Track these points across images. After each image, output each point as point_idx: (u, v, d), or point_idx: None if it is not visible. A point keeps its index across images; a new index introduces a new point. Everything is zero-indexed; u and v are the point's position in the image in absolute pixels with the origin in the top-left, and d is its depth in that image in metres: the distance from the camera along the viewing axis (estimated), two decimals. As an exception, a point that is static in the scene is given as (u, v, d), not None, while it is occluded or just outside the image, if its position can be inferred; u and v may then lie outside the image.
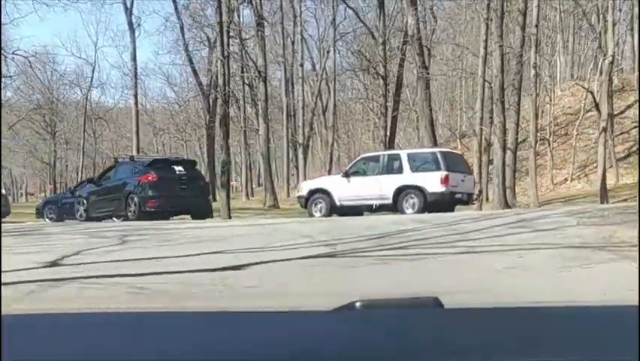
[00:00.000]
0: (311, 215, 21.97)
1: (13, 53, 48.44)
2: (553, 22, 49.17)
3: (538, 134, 38.81)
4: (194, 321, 1.45)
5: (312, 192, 22.39)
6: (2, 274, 6.51)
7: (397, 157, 21.62)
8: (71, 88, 77.06)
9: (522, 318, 1.52)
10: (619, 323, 1.43)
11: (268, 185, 44.59)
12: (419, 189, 20.38)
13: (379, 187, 20.85)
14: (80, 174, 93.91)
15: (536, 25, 24.98)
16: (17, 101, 70.19)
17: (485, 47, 30.01)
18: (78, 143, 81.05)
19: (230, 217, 31.57)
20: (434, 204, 20.02)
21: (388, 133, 40.43)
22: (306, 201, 22.40)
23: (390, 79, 42.16)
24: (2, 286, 6.24)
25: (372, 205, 20.95)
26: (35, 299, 6.20)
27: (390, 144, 39.57)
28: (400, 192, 20.63)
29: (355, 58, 53.19)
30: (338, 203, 21.65)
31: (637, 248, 7.49)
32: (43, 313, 1.49)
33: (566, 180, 44.91)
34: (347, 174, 21.96)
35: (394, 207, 20.61)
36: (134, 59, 56.08)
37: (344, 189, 21.53)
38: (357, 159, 24.07)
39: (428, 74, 32.44)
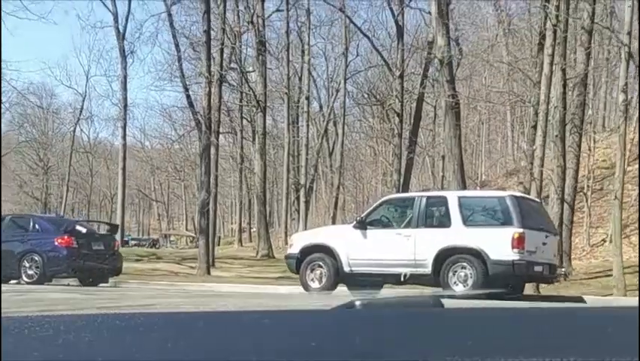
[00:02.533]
0: (305, 286, 14.35)
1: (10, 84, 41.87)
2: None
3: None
4: (193, 321, 1.41)
5: (307, 251, 14.44)
6: None
7: (442, 202, 13.69)
8: (62, 121, 69.80)
9: (522, 318, 1.49)
10: (619, 323, 1.37)
11: (262, 231, 37.42)
12: (476, 254, 12.70)
13: (412, 247, 13.26)
14: (64, 209, 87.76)
15: (629, 33, 17.60)
16: (7, 133, 63.22)
17: (541, 71, 22.53)
18: (74, 180, 74.76)
19: (209, 270, 24.37)
20: (500, 279, 12.43)
21: (402, 178, 33.46)
22: (298, 264, 14.43)
23: (404, 118, 35.64)
24: None
25: (400, 275, 13.25)
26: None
27: (404, 189, 32.52)
28: (445, 256, 12.99)
29: (367, 97, 46.68)
30: (347, 268, 13.89)
31: None
32: (43, 314, 1.40)
33: (603, 241, 37.36)
34: (362, 224, 14.03)
35: (434, 279, 12.99)
36: (124, 88, 49.08)
37: (357, 247, 13.85)
38: (379, 201, 15.42)
39: (458, 104, 25.07)
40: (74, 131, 64.00)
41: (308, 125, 42.86)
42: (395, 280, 13.35)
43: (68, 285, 17.50)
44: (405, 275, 13.10)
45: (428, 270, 13.00)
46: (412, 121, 36.28)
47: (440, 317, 1.45)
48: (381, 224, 14.00)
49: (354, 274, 13.69)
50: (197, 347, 1.17)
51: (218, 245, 44.61)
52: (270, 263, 33.15)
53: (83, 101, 61.63)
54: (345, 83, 41.67)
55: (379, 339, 1.23)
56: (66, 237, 16.89)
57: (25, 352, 1.12)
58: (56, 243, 16.85)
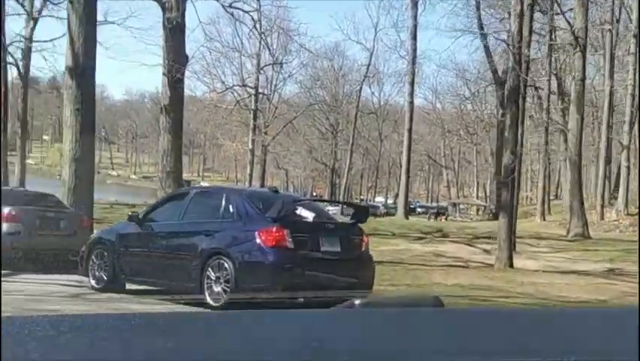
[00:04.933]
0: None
1: (301, 46, 38.16)
2: None
3: None
4: (194, 321, 1.41)
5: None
6: None
7: None
8: (351, 83, 65.23)
9: (522, 318, 1.49)
10: (619, 323, 1.40)
11: (576, 204, 28.79)
12: None
13: None
14: (362, 178, 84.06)
15: None
16: (295, 95, 60.23)
17: None
18: (362, 145, 70.63)
19: (511, 261, 16.94)
20: None
21: None
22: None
23: None
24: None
25: None
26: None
27: None
28: None
29: None
30: None
31: None
32: (43, 314, 1.37)
33: None
34: None
35: None
36: (413, 37, 42.81)
37: None
38: None
39: None
40: (360, 89, 59.55)
41: (637, 71, 32.74)
42: None
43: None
44: None
45: None
46: None
47: (440, 317, 1.44)
48: None
49: None
50: (197, 347, 1.16)
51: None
52: (587, 246, 24.90)
53: (371, 56, 57.28)
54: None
55: (379, 339, 1.23)
56: (275, 229, 9.37)
57: (25, 352, 1.10)
58: (258, 239, 9.44)
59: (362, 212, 11.14)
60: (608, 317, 1.48)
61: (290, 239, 9.34)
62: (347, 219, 11.42)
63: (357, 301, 1.44)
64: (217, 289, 9.33)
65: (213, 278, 9.39)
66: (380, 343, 1.20)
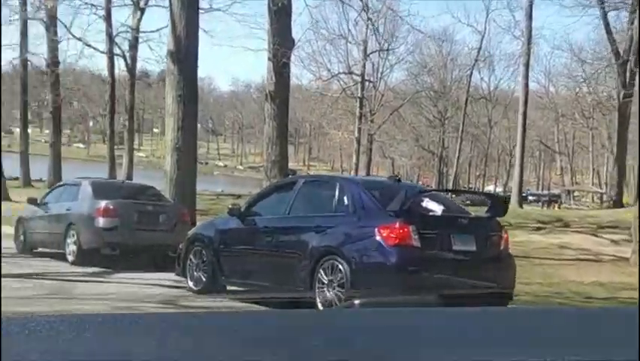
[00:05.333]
0: None
1: (412, 27, 37.10)
2: None
3: None
4: (192, 321, 1.39)
5: None
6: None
7: None
8: (461, 68, 62.77)
9: (522, 318, 1.49)
10: (619, 323, 1.39)
11: None
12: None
13: None
14: (470, 166, 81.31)
15: None
16: (401, 82, 58.56)
17: None
18: (471, 132, 68.18)
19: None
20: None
21: None
22: None
23: None
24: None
25: None
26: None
27: None
28: None
29: None
30: None
31: None
32: (43, 315, 1.36)
33: None
34: None
35: None
36: (529, 17, 40.41)
37: None
38: None
39: None
40: (470, 74, 57.35)
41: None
42: None
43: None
44: None
45: None
46: None
47: (440, 317, 1.43)
48: None
49: None
50: (197, 347, 1.15)
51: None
52: None
53: (482, 39, 54.90)
54: None
55: (379, 338, 1.22)
56: (398, 225, 7.83)
57: (25, 352, 1.10)
58: (378, 237, 7.92)
59: (500, 204, 9.41)
60: (608, 316, 1.47)
61: (416, 236, 7.86)
62: (481, 213, 9.69)
63: (356, 301, 1.41)
64: (329, 294, 7.94)
65: (325, 282, 8.05)
66: (380, 343, 1.19)
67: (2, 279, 7.80)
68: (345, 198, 8.51)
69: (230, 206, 10.04)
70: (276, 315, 1.45)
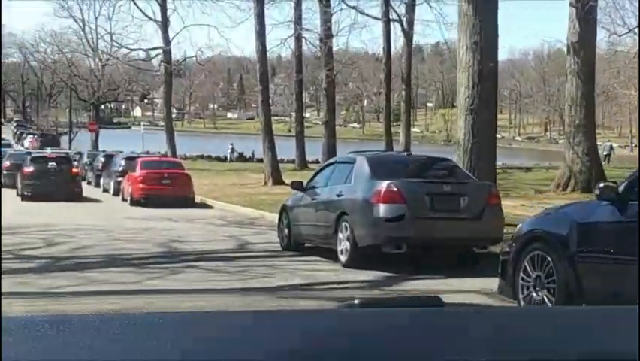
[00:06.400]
0: None
1: None
2: None
3: None
4: (194, 321, 1.38)
5: None
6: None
7: None
8: None
9: (522, 318, 1.47)
10: (619, 323, 1.37)
11: None
12: None
13: None
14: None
15: None
16: None
17: None
18: None
19: None
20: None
21: None
22: None
23: None
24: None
25: None
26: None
27: None
28: None
29: None
30: None
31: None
32: (43, 314, 1.41)
33: None
34: None
35: None
36: None
37: None
38: None
39: None
40: None
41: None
42: None
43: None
44: None
45: None
46: None
47: (440, 317, 1.42)
48: None
49: None
50: (197, 347, 1.15)
51: None
52: None
53: None
54: None
55: (379, 338, 1.21)
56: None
57: (25, 352, 1.11)
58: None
59: None
60: (608, 317, 1.47)
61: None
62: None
63: (356, 301, 1.43)
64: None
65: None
66: (380, 343, 1.19)
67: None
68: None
69: (603, 185, 6.02)
70: (275, 315, 1.46)
